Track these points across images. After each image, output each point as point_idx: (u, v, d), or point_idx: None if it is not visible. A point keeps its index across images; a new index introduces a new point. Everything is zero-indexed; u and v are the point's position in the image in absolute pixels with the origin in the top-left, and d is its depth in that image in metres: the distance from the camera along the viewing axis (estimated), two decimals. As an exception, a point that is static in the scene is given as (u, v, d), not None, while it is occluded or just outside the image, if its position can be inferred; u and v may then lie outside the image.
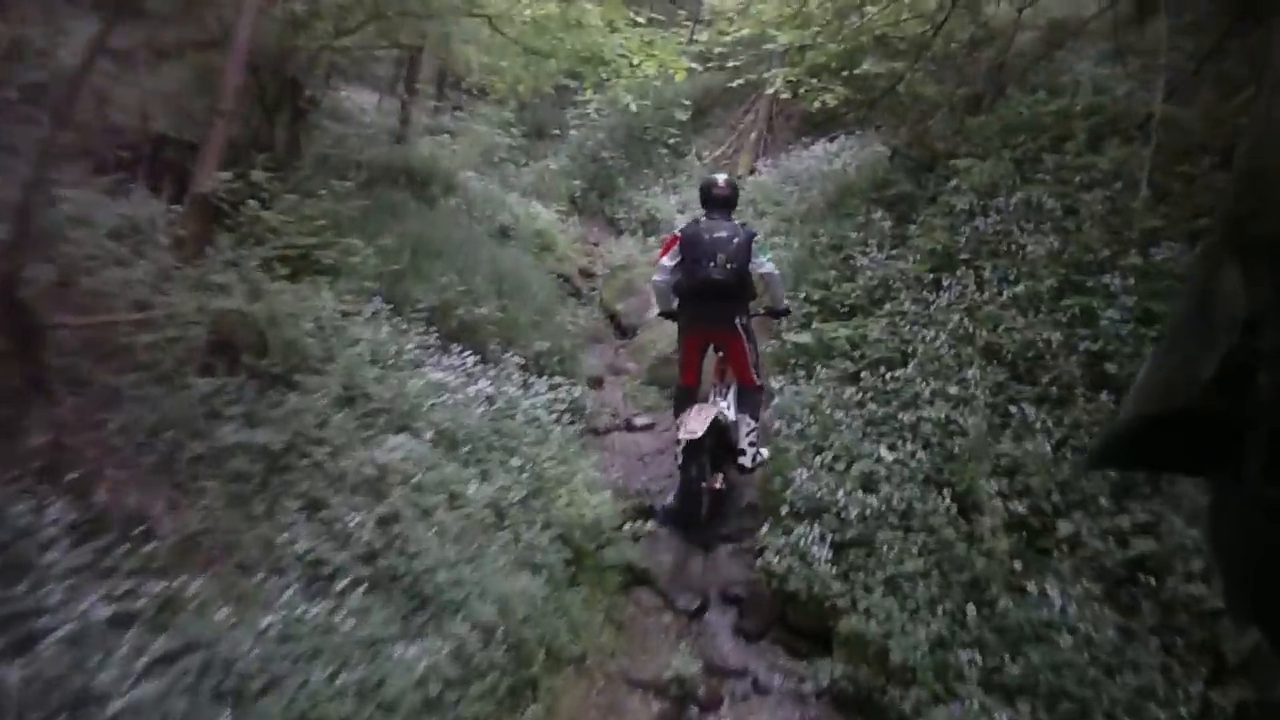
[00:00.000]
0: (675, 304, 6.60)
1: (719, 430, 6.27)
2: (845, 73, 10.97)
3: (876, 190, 10.07)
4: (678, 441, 6.11)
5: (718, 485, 6.42)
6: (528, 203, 14.04)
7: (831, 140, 13.63)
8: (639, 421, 8.92)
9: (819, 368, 7.37)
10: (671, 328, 7.28)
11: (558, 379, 7.80)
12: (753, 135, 16.37)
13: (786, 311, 6.99)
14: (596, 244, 14.83)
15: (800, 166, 13.27)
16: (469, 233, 10.26)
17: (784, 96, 12.68)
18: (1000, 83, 9.98)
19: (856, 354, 7.37)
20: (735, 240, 6.16)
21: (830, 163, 12.29)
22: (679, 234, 6.42)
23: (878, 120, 12.45)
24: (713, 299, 6.23)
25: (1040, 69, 9.76)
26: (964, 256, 7.58)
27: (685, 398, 6.65)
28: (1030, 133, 8.48)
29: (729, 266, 6.11)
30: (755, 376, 6.55)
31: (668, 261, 6.40)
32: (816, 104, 11.70)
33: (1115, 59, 8.61)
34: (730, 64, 14.67)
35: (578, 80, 14.07)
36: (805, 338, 7.85)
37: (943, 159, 9.42)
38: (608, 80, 12.37)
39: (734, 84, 14.53)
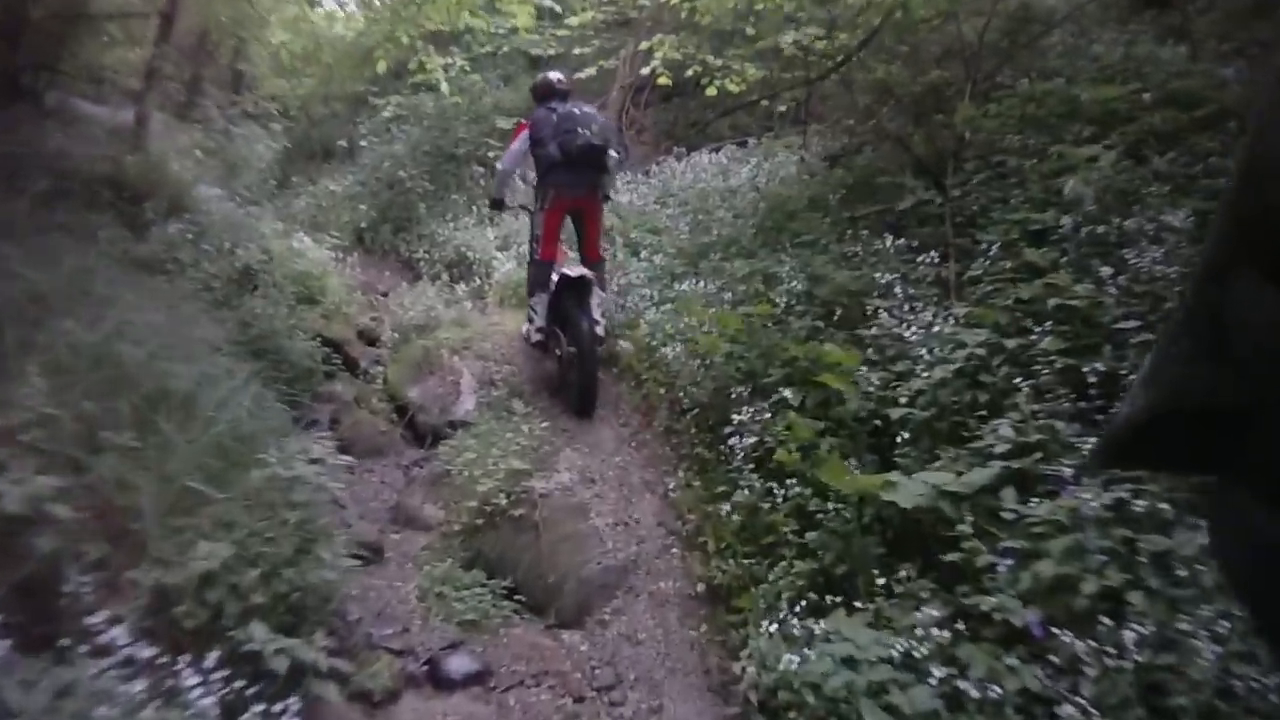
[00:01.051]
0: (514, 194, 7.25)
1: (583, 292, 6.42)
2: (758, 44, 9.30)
3: (852, 204, 7.33)
4: (553, 287, 6.59)
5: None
6: (292, 235, 10.87)
7: (716, 150, 11.42)
8: (454, 666, 4.49)
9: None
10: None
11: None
12: None
13: (608, 198, 7.12)
14: (386, 293, 11.18)
15: (681, 182, 10.24)
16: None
17: (661, 81, 10.99)
18: (983, 68, 7.57)
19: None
20: (600, 117, 6.72)
21: (747, 171, 9.82)
22: (528, 120, 6.76)
23: (808, 114, 10.44)
24: (587, 166, 6.46)
25: (1061, 48, 7.96)
26: (1127, 323, 4.20)
27: (544, 273, 6.74)
28: (1093, 126, 6.20)
29: (603, 136, 6.44)
30: (599, 249, 6.94)
31: (517, 147, 6.75)
32: (713, 89, 10.63)
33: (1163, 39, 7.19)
34: (576, 51, 12.99)
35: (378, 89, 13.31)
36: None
37: (950, 159, 6.78)
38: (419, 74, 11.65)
39: (584, 74, 12.24)
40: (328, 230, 12.19)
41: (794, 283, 6.08)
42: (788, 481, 4.47)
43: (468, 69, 13.32)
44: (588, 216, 6.85)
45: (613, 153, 6.60)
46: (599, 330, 6.41)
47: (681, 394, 6.05)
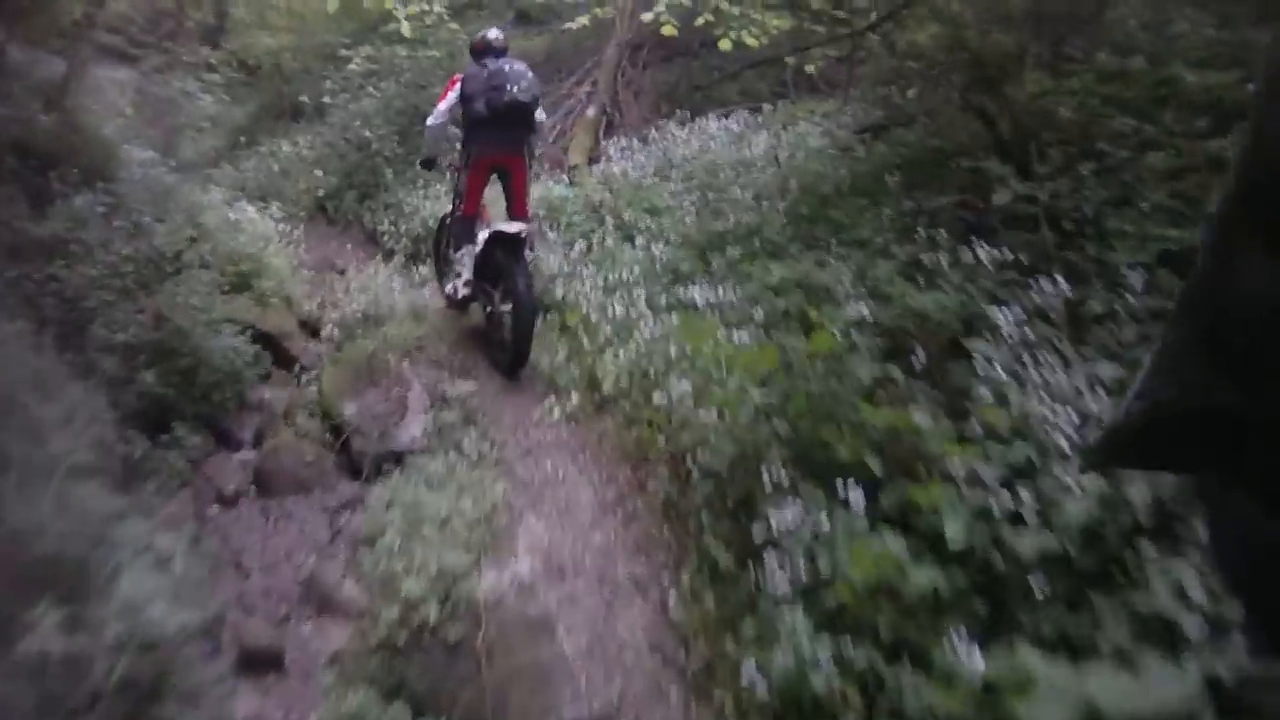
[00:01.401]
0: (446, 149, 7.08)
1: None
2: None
3: (910, 191, 5.55)
4: (481, 243, 6.34)
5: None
6: (233, 204, 9.49)
7: (726, 117, 9.79)
8: None
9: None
10: None
11: None
12: (590, 110, 11.28)
13: (534, 156, 7.14)
14: (343, 270, 9.63)
15: (686, 151, 8.75)
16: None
17: (667, 31, 9.44)
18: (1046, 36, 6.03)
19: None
20: (530, 75, 6.51)
21: (764, 141, 8.23)
22: (459, 76, 6.63)
23: (849, 77, 8.81)
24: (514, 123, 6.44)
25: (1136, 22, 6.32)
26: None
27: (468, 228, 6.67)
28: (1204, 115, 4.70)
29: (531, 94, 6.41)
30: (528, 208, 6.84)
31: (444, 105, 6.65)
32: (727, 42, 9.13)
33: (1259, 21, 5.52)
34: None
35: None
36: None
37: (1033, 142, 5.08)
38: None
39: (574, 25, 11.06)
40: (281, 199, 10.89)
41: (851, 302, 4.19)
42: (852, 639, 2.77)
43: (445, 16, 11.73)
44: (514, 174, 6.73)
45: (540, 113, 6.80)
46: (530, 287, 6.20)
47: (687, 455, 4.28)
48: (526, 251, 6.37)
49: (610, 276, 6.48)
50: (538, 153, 7.49)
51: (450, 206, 7.20)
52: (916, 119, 6.61)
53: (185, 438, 6.15)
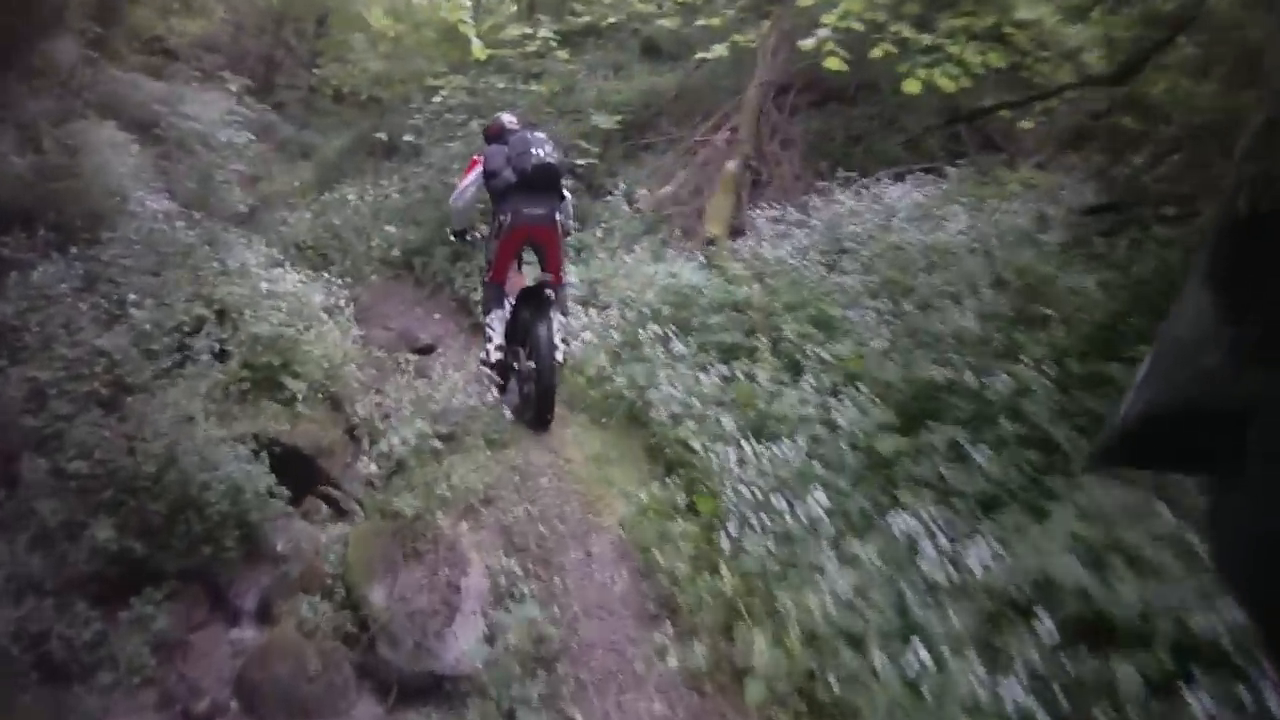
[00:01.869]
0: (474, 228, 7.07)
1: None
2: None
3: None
4: (509, 304, 6.40)
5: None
6: (275, 267, 7.56)
7: (900, 178, 7.79)
8: None
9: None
10: None
11: None
12: (731, 164, 9.03)
13: (569, 232, 6.97)
14: (430, 347, 8.27)
15: (858, 227, 6.85)
16: None
17: (832, 64, 6.98)
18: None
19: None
20: (552, 141, 6.45)
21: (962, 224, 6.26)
22: (480, 155, 6.63)
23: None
24: (543, 189, 6.28)
25: None
26: None
27: (497, 293, 6.60)
28: None
29: (557, 156, 6.34)
30: (561, 273, 6.55)
31: (468, 183, 6.60)
32: (915, 84, 6.78)
33: None
34: (700, 22, 9.61)
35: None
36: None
37: None
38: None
39: (705, 57, 9.16)
40: (349, 255, 9.25)
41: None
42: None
43: (554, 43, 9.92)
44: (548, 244, 6.48)
45: (569, 196, 6.70)
46: (557, 341, 6.15)
47: None
48: (558, 315, 6.31)
49: (771, 455, 4.29)
50: (571, 227, 7.05)
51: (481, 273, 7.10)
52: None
53: (155, 612, 4.60)
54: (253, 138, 10.01)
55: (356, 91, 14.49)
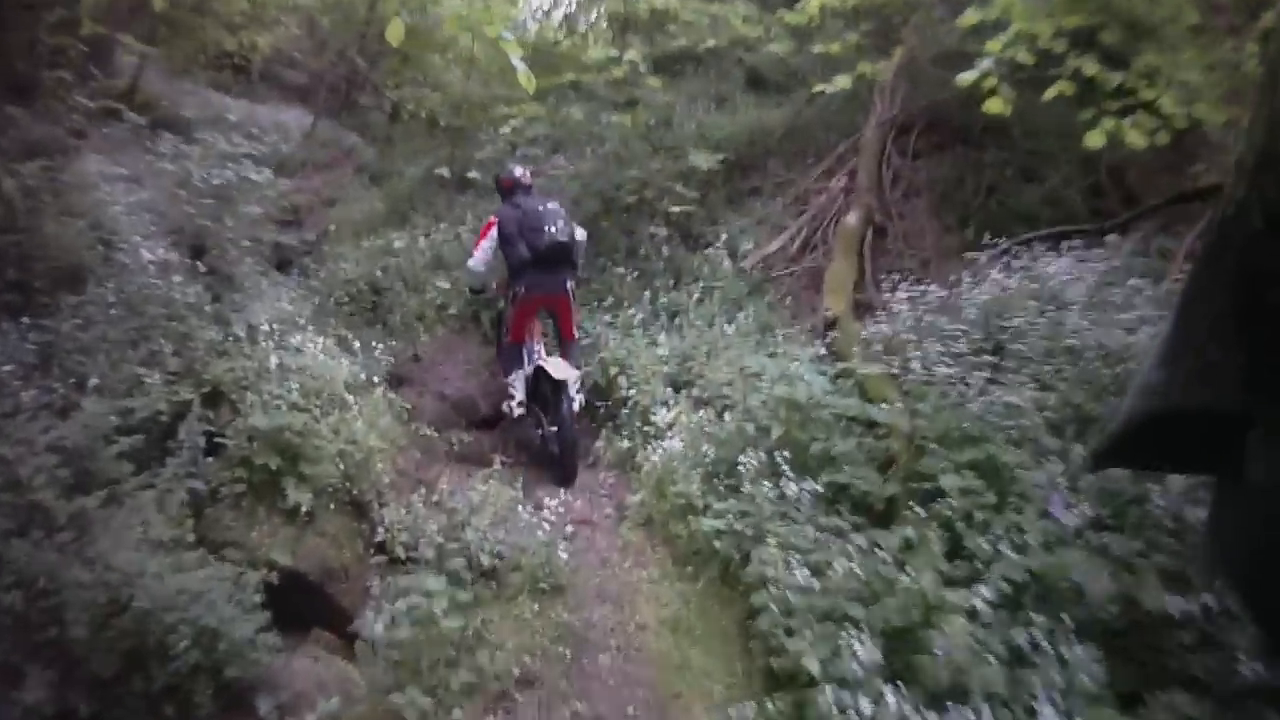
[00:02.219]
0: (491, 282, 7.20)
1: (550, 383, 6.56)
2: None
3: None
4: (529, 369, 6.74)
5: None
6: (301, 330, 6.41)
7: (1054, 246, 6.10)
8: None
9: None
10: None
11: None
12: (851, 217, 7.65)
13: (579, 283, 7.21)
14: (489, 423, 7.51)
15: (1021, 317, 5.21)
16: None
17: (992, 108, 5.58)
18: None
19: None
20: (564, 211, 6.75)
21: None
22: (495, 217, 6.85)
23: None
24: (556, 263, 6.60)
25: None
26: None
27: (516, 353, 6.92)
28: None
29: (568, 231, 6.62)
30: (575, 330, 6.96)
31: (486, 247, 6.77)
32: (1100, 135, 5.34)
33: None
34: (816, 49, 8.19)
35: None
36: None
37: None
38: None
39: (823, 90, 7.46)
40: (400, 310, 8.06)
41: None
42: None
43: (645, 68, 8.66)
44: (561, 313, 6.92)
45: (579, 238, 6.88)
46: (576, 408, 6.45)
47: None
48: (572, 386, 6.42)
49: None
50: (582, 276, 7.34)
51: (499, 331, 7.43)
52: None
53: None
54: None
55: (435, 116, 13.42)
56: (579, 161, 9.29)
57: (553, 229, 6.45)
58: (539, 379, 6.57)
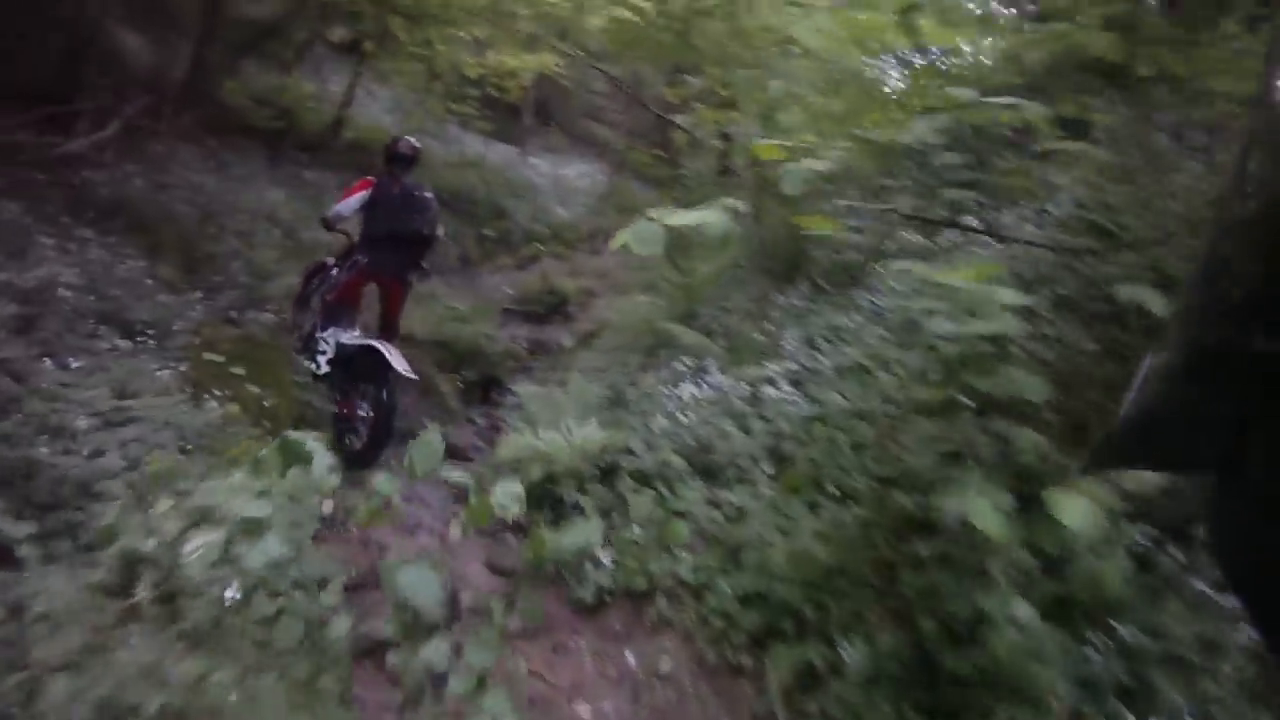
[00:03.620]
0: (345, 235, 6.96)
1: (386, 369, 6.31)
2: None
3: None
4: (353, 342, 6.42)
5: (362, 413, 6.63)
6: None
7: None
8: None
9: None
10: None
11: None
12: None
13: (428, 275, 7.24)
14: None
15: None
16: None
17: None
18: None
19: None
20: (434, 206, 6.75)
21: None
22: (373, 179, 6.78)
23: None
24: (407, 249, 6.64)
25: None
26: None
27: (334, 314, 6.76)
28: None
29: (424, 226, 6.63)
30: (398, 323, 7.03)
31: (352, 202, 6.68)
32: None
33: None
34: None
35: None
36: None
37: None
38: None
39: None
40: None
41: None
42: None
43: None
44: (393, 296, 6.93)
45: (438, 235, 6.87)
46: (395, 399, 6.30)
47: None
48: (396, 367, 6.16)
49: None
50: (426, 267, 6.92)
51: (320, 281, 7.13)
52: None
53: None
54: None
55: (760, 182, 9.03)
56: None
57: (420, 219, 6.51)
58: (368, 359, 6.16)
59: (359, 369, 6.33)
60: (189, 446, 4.59)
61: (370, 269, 6.61)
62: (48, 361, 4.83)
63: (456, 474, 6.19)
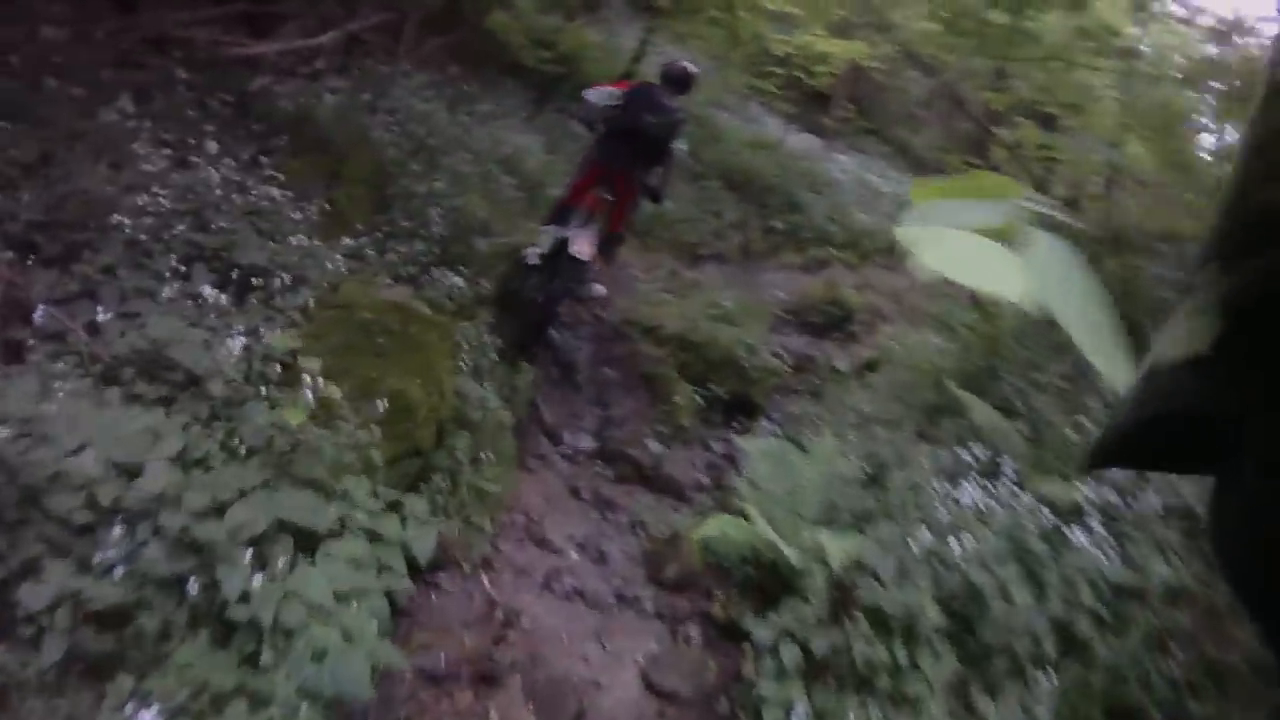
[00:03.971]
0: (597, 128, 6.97)
1: (566, 258, 6.54)
2: None
3: None
4: (554, 242, 6.49)
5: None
6: None
7: None
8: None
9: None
10: None
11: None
12: None
13: (659, 198, 7.14)
14: None
15: None
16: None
17: None
18: None
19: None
20: (676, 114, 6.62)
21: None
22: (635, 83, 7.16)
23: None
24: (635, 145, 6.59)
25: None
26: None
27: (560, 211, 6.89)
28: None
29: (655, 126, 6.52)
30: (623, 226, 7.01)
31: (605, 93, 6.75)
32: None
33: None
34: None
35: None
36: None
37: None
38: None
39: None
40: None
41: None
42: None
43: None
44: (617, 192, 6.76)
45: (680, 145, 6.86)
46: (565, 292, 6.56)
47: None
48: (582, 272, 6.49)
49: None
50: (655, 184, 6.89)
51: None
52: None
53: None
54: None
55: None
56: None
57: (651, 119, 6.45)
58: (561, 249, 6.39)
59: (553, 259, 6.49)
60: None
61: (598, 161, 6.74)
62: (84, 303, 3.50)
63: (651, 513, 5.19)
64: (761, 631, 3.56)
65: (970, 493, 3.89)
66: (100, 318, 3.40)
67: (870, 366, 7.39)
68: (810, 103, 13.98)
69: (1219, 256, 0.90)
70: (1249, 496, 0.88)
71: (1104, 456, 1.34)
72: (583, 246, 6.40)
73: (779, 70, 11.97)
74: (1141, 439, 1.02)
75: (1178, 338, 0.95)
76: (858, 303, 9.43)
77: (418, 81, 7.62)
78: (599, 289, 6.98)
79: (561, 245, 6.36)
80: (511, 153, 8.21)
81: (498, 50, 9.59)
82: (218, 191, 4.44)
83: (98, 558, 2.58)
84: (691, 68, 6.93)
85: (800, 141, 13.68)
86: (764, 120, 13.66)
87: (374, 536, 3.37)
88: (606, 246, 6.85)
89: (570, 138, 9.22)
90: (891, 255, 11.43)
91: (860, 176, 13.36)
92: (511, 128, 8.74)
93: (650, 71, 11.47)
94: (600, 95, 6.73)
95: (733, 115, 13.02)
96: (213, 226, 4.22)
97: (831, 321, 9.12)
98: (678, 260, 9.66)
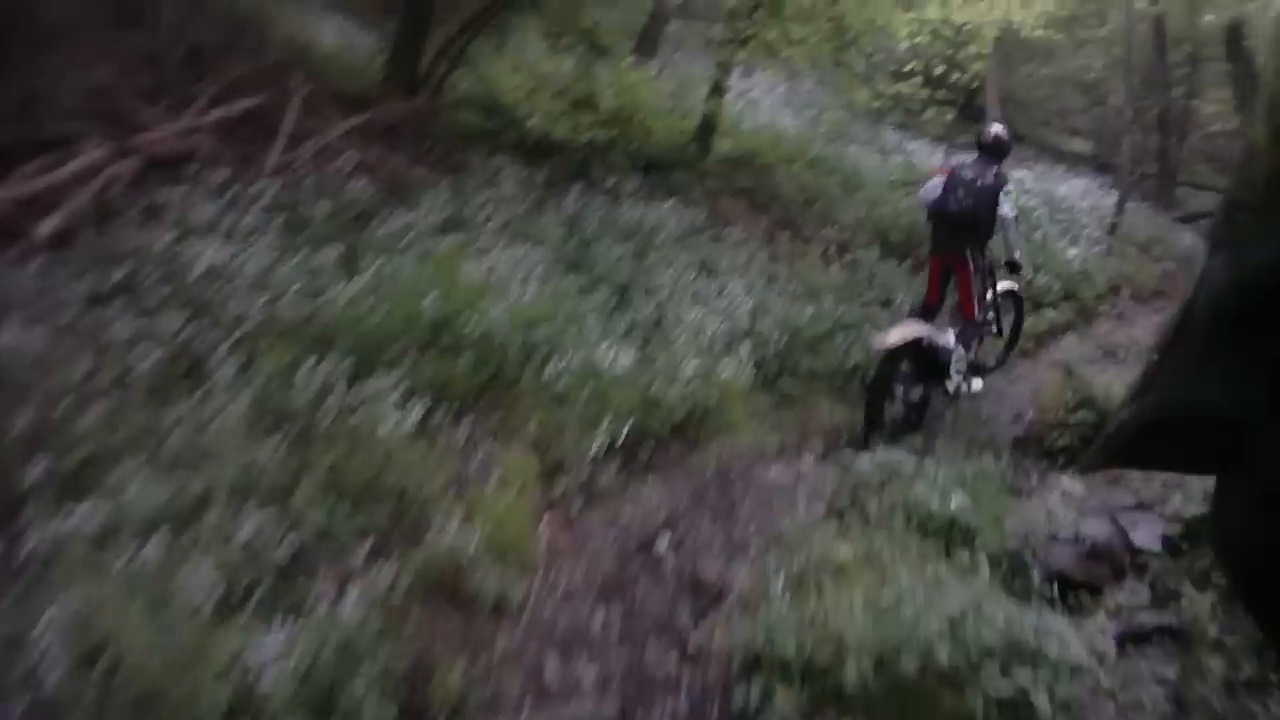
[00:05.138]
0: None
1: (922, 351, 6.48)
2: None
3: None
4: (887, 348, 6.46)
5: (913, 398, 6.67)
6: None
7: None
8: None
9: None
10: None
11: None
12: None
13: (1017, 266, 7.03)
14: None
15: None
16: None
17: None
18: None
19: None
20: (979, 182, 6.48)
21: None
22: (950, 167, 6.89)
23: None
24: (947, 228, 6.61)
25: None
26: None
27: (921, 312, 6.86)
28: None
29: (965, 203, 6.46)
30: (976, 310, 6.84)
31: (928, 187, 6.76)
32: None
33: None
34: None
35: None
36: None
37: None
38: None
39: None
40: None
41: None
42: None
43: None
44: (955, 276, 6.80)
45: (1005, 211, 6.54)
46: (947, 385, 6.54)
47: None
48: (945, 351, 6.40)
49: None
50: (1019, 260, 6.83)
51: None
52: None
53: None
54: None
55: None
56: None
57: (952, 198, 6.39)
58: (919, 346, 6.31)
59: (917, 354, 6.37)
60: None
61: (931, 250, 6.84)
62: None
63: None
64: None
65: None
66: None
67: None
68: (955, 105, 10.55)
69: (1249, 207, 0.98)
70: (1253, 498, 0.97)
71: (1111, 456, 1.69)
72: (948, 337, 6.41)
73: (915, 65, 8.99)
74: (1145, 440, 1.15)
75: (1181, 345, 1.08)
76: (1107, 396, 5.86)
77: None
78: (976, 384, 6.82)
79: (916, 341, 6.25)
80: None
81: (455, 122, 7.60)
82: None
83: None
84: (1001, 131, 6.81)
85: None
86: (907, 148, 10.94)
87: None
88: (964, 332, 6.68)
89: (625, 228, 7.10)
90: (1116, 299, 8.18)
91: (1045, 193, 9.93)
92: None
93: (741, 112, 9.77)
94: (928, 191, 6.70)
95: (866, 148, 9.87)
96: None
97: (1084, 441, 5.56)
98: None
